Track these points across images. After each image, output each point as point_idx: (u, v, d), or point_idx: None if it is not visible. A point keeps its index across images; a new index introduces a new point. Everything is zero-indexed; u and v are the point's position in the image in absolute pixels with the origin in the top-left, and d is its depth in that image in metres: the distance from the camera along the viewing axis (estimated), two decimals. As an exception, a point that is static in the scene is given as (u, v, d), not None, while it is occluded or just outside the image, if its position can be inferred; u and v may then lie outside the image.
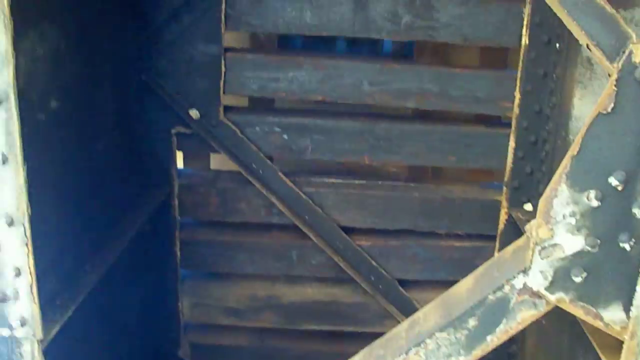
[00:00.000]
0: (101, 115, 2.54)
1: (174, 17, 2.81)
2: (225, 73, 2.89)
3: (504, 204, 2.95)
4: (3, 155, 1.54)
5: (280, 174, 3.01)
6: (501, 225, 2.98)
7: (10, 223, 1.60)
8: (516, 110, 2.83)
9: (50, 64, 2.03)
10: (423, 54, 3.15)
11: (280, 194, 3.03)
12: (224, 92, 2.92)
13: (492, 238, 3.03)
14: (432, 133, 2.98)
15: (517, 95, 2.82)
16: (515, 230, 2.85)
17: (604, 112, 1.43)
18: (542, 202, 1.52)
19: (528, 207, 2.89)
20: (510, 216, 2.92)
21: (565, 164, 1.48)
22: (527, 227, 1.59)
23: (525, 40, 2.75)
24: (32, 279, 1.65)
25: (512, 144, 2.87)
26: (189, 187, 3.10)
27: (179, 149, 3.07)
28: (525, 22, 2.75)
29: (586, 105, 2.51)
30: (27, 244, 1.62)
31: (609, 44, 1.42)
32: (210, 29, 2.82)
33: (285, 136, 2.98)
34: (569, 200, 1.50)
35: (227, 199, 3.10)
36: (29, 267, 1.63)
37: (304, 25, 2.85)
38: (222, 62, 2.87)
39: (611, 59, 1.42)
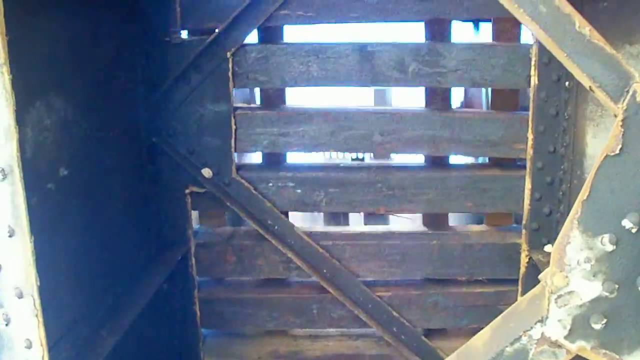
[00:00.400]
0: (113, 179, 2.55)
1: (182, 78, 2.84)
2: (235, 131, 2.91)
3: (524, 246, 2.91)
4: (10, 228, 1.54)
5: (295, 228, 3.00)
6: (522, 269, 2.93)
7: (20, 295, 1.59)
8: (530, 151, 2.81)
9: (58, 133, 2.05)
10: (434, 100, 3.13)
11: (297, 248, 3.00)
12: (235, 150, 2.92)
13: (515, 282, 2.98)
14: (447, 180, 2.95)
15: (530, 136, 2.80)
16: (537, 273, 2.75)
17: (612, 154, 1.40)
18: (555, 250, 1.48)
19: (548, 248, 2.84)
20: (531, 259, 2.87)
21: (577, 209, 1.44)
22: (541, 275, 1.54)
23: (534, 80, 2.74)
24: (43, 350, 1.63)
25: (528, 185, 2.84)
26: (205, 246, 3.10)
27: (193, 209, 3.07)
28: (532, 62, 2.74)
29: (599, 142, 2.48)
30: (37, 315, 1.60)
31: (611, 84, 1.39)
32: (219, 88, 2.84)
33: (299, 191, 2.97)
34: (582, 246, 1.45)
35: (244, 256, 3.08)
36: (40, 339, 1.62)
37: (311, 78, 2.86)
38: (232, 119, 2.88)
39: (615, 100, 1.39)
